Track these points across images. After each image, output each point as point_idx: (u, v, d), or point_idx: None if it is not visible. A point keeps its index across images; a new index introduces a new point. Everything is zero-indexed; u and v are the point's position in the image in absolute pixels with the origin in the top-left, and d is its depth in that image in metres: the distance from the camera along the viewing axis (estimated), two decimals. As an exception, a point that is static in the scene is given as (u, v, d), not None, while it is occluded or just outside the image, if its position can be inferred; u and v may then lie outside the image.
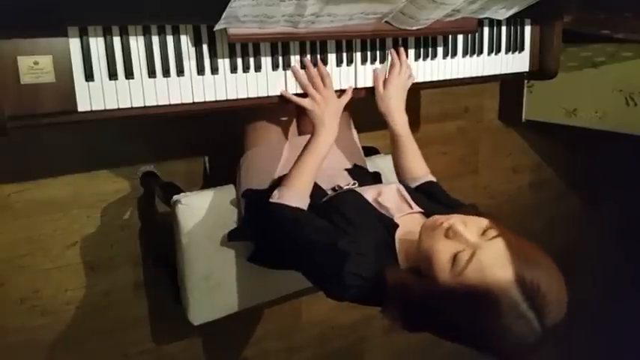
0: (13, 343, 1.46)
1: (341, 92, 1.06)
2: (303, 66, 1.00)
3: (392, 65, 1.09)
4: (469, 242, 0.73)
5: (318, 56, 1.02)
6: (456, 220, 0.76)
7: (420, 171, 1.09)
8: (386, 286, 0.78)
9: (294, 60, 1.01)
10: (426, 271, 0.76)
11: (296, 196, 0.94)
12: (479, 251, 0.71)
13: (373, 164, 1.30)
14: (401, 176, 1.12)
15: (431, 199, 1.01)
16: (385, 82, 1.09)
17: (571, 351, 2.63)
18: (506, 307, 0.68)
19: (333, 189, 1.04)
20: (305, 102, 1.00)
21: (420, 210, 0.95)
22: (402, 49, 1.10)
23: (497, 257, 0.70)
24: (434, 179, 1.10)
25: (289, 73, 1.00)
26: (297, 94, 1.01)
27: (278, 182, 1.06)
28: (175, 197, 1.16)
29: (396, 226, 0.90)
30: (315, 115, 1.00)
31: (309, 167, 0.97)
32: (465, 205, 1.01)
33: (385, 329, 2.16)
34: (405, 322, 0.78)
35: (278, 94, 1.01)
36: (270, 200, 0.94)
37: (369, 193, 0.97)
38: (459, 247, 0.73)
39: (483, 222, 0.76)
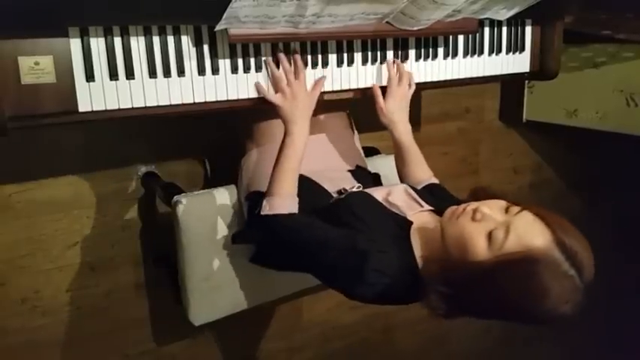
0: (14, 344, 1.46)
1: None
2: (278, 60, 0.97)
3: (390, 77, 1.09)
4: (498, 220, 0.77)
5: (309, 57, 1.01)
6: (478, 203, 0.80)
7: (424, 175, 1.10)
8: (425, 278, 0.80)
9: (283, 55, 0.99)
10: (460, 256, 0.78)
11: (286, 202, 0.92)
12: (511, 225, 0.75)
13: (374, 165, 1.30)
14: (405, 179, 1.13)
15: (436, 198, 1.02)
16: (385, 95, 1.08)
17: (572, 351, 2.63)
18: (550, 269, 0.72)
19: (339, 192, 1.04)
20: (274, 97, 0.97)
21: (430, 208, 0.95)
22: (398, 61, 1.10)
23: (530, 226, 0.75)
24: (437, 181, 1.10)
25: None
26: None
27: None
28: (176, 198, 1.16)
29: (410, 223, 0.90)
30: (284, 111, 0.96)
31: (289, 169, 0.95)
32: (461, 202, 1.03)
33: (385, 330, 2.16)
34: (450, 309, 0.79)
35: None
36: (262, 213, 0.93)
37: (378, 193, 0.97)
38: (490, 226, 0.77)
39: (502, 202, 0.80)
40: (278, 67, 0.98)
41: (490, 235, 0.76)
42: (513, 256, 0.73)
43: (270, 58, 0.98)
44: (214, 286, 1.20)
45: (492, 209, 0.79)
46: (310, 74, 1.02)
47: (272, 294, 1.32)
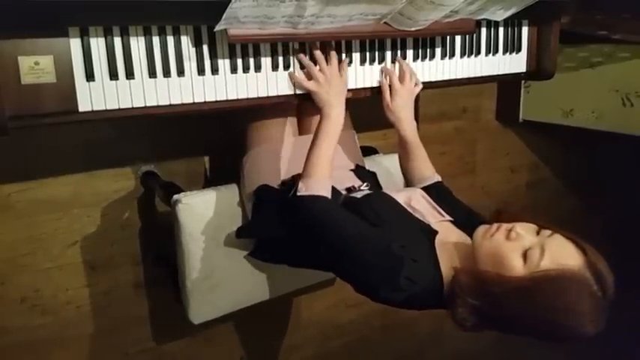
0: (14, 343, 1.46)
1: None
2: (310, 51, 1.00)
3: (397, 75, 1.10)
4: (533, 241, 0.81)
5: (308, 57, 1.02)
6: (514, 225, 0.84)
7: (428, 172, 1.11)
8: (457, 289, 0.83)
9: (294, 61, 1.01)
10: (496, 272, 0.81)
11: (323, 185, 0.93)
12: (546, 245, 0.80)
13: (372, 164, 1.31)
14: (408, 176, 1.14)
15: (446, 204, 1.02)
16: (392, 92, 1.10)
17: (568, 351, 2.64)
18: (581, 288, 0.77)
19: (348, 189, 1.04)
20: (309, 84, 1.00)
21: (450, 219, 0.98)
22: (405, 61, 1.11)
23: (564, 248, 0.80)
24: (440, 179, 1.11)
25: (289, 73, 1.01)
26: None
27: (288, 182, 1.07)
28: (176, 197, 1.17)
29: (436, 232, 0.92)
30: (320, 97, 0.99)
31: (326, 152, 0.96)
32: (466, 207, 1.05)
33: (383, 328, 2.17)
34: (479, 321, 0.82)
35: (278, 94, 1.01)
36: (299, 194, 0.93)
37: (399, 197, 0.98)
38: (525, 245, 0.81)
39: (532, 225, 0.85)
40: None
41: (526, 254, 0.80)
42: (548, 274, 0.77)
43: (301, 54, 1.00)
44: (214, 285, 1.21)
45: (526, 230, 0.83)
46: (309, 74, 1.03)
47: (271, 292, 1.33)
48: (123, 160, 1.50)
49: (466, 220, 0.97)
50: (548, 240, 0.81)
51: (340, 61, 1.04)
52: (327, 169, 0.96)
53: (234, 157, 1.21)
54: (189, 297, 1.20)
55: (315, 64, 1.01)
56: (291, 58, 1.01)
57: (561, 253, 0.79)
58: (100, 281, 1.54)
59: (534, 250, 0.80)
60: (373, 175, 1.23)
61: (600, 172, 2.58)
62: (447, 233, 0.93)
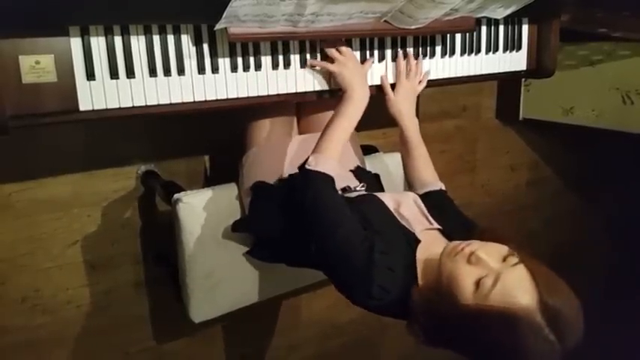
0: (14, 342, 1.46)
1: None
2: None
3: (401, 69, 1.10)
4: (492, 268, 0.76)
5: (308, 55, 1.02)
6: (478, 247, 0.79)
7: (430, 177, 1.10)
8: (412, 303, 0.81)
9: (295, 59, 1.01)
10: (447, 293, 0.78)
11: (332, 165, 0.93)
12: (502, 277, 0.74)
13: (372, 163, 1.31)
14: (410, 180, 1.13)
15: (442, 212, 1.01)
16: (396, 85, 1.10)
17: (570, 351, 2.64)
18: (529, 331, 0.71)
19: (343, 189, 1.04)
20: (332, 66, 1.00)
21: (439, 227, 0.95)
22: (420, 57, 1.12)
23: (520, 282, 0.73)
24: (442, 187, 1.09)
25: (289, 72, 1.01)
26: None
27: (286, 180, 1.07)
28: (176, 196, 1.17)
29: (418, 241, 0.90)
30: (344, 77, 0.99)
31: (344, 133, 0.96)
32: (479, 226, 1.01)
33: (383, 327, 2.17)
34: (427, 339, 0.80)
35: (278, 92, 1.01)
36: (307, 167, 0.92)
37: (389, 201, 0.97)
38: (482, 272, 0.76)
39: (504, 249, 0.78)
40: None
41: (478, 282, 0.75)
42: (495, 309, 0.72)
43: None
44: (214, 284, 1.21)
45: (490, 255, 0.77)
46: (311, 72, 1.03)
47: (271, 291, 1.33)
48: (123, 160, 1.50)
49: (459, 231, 0.92)
50: (507, 271, 0.74)
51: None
52: (338, 150, 0.96)
53: (234, 156, 1.21)
54: (189, 296, 1.20)
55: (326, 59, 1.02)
56: (292, 56, 1.01)
57: (515, 289, 0.72)
58: (101, 281, 1.54)
59: (488, 279, 0.74)
60: (376, 176, 1.22)
61: (600, 170, 2.59)
62: (432, 243, 0.89)
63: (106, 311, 1.56)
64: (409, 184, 1.14)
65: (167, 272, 1.42)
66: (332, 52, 1.01)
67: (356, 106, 0.98)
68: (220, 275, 1.21)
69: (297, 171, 1.01)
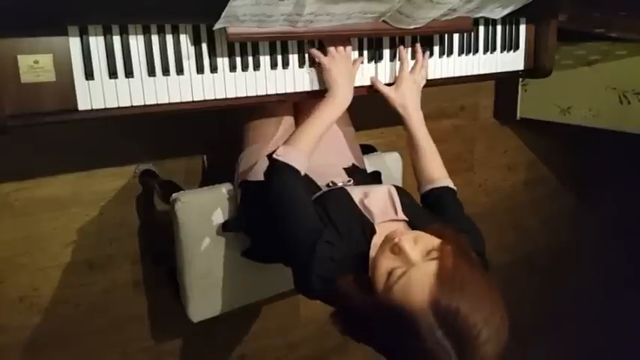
0: (13, 342, 1.46)
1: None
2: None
3: (404, 62, 1.09)
4: (408, 260, 0.72)
5: (307, 55, 1.02)
6: (407, 237, 0.75)
7: (438, 173, 1.05)
8: (334, 291, 0.78)
9: (293, 59, 1.01)
10: (367, 282, 0.77)
11: (300, 158, 0.92)
12: (411, 270, 0.70)
13: (370, 162, 1.31)
14: (418, 177, 1.09)
15: (437, 208, 0.99)
16: (397, 80, 1.09)
17: (565, 348, 2.66)
18: (422, 331, 0.66)
19: (327, 185, 1.03)
20: (324, 59, 1.00)
21: (405, 218, 0.90)
22: (427, 54, 1.12)
23: (422, 279, 0.69)
24: (451, 185, 1.05)
25: (288, 72, 1.01)
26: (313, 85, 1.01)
27: None
28: (174, 195, 1.17)
29: (374, 232, 0.87)
30: (331, 74, 0.99)
31: (318, 129, 0.95)
32: (459, 217, 0.98)
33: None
34: (344, 329, 0.78)
35: (277, 92, 1.01)
36: (274, 156, 0.91)
37: (357, 193, 0.94)
38: (397, 263, 0.73)
39: (435, 242, 0.74)
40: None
41: (390, 273, 0.72)
42: (392, 305, 0.69)
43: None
44: (212, 283, 1.21)
45: (415, 247, 0.74)
46: (309, 72, 1.04)
47: (270, 290, 1.33)
48: (121, 159, 1.50)
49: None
50: (419, 265, 0.70)
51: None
52: (313, 145, 0.94)
53: (232, 155, 1.21)
54: (188, 295, 1.21)
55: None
56: (290, 56, 1.01)
57: (415, 285, 0.68)
58: (99, 280, 1.54)
59: (398, 270, 0.71)
60: (376, 173, 1.22)
61: (597, 169, 2.60)
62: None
63: (104, 311, 1.56)
64: (417, 181, 1.10)
65: (165, 271, 1.42)
66: (331, 49, 1.01)
67: (336, 105, 0.98)
68: (219, 274, 1.21)
69: None
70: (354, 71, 1.04)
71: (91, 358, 1.58)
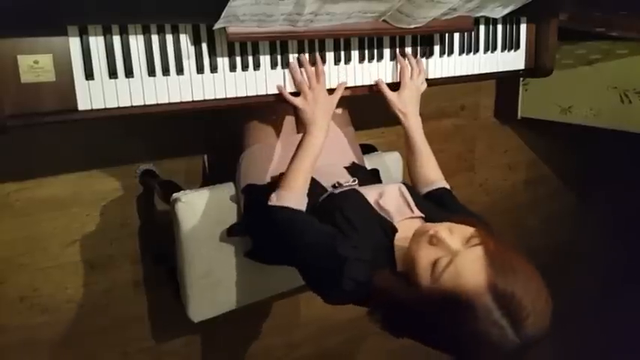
0: (13, 342, 1.46)
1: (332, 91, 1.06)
2: (300, 63, 1.00)
3: (405, 69, 1.10)
4: (450, 249, 0.74)
5: (317, 53, 1.03)
6: (441, 228, 0.77)
7: (434, 176, 1.09)
8: (372, 287, 0.80)
9: (293, 59, 1.01)
10: (407, 276, 0.78)
11: (294, 198, 0.94)
12: (457, 258, 0.72)
13: (371, 162, 1.31)
14: (414, 180, 1.12)
15: (441, 206, 1.00)
16: (400, 86, 1.10)
17: (566, 348, 2.66)
18: (479, 314, 0.69)
19: (333, 186, 1.04)
20: (296, 100, 0.99)
21: (421, 215, 0.94)
22: (418, 57, 1.13)
23: (473, 264, 0.71)
24: (447, 186, 1.09)
25: (288, 71, 1.01)
26: (291, 93, 1.01)
27: (278, 179, 1.07)
28: (175, 195, 1.17)
29: (395, 230, 0.89)
30: (305, 113, 0.99)
31: (304, 167, 0.96)
32: (467, 212, 1.01)
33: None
34: (387, 325, 0.79)
35: (277, 92, 1.01)
36: (269, 204, 0.94)
37: (370, 193, 0.97)
38: (440, 253, 0.75)
39: (469, 230, 0.76)
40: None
41: (434, 263, 0.74)
42: (445, 291, 0.71)
43: (294, 62, 1.00)
44: (213, 283, 1.21)
45: (453, 235, 0.76)
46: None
47: (270, 290, 1.33)
48: (122, 159, 1.50)
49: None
50: (464, 252, 0.72)
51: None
52: (304, 183, 0.96)
53: (232, 155, 1.21)
54: (188, 295, 1.21)
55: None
56: (290, 56, 1.01)
57: (466, 270, 0.70)
58: (100, 280, 1.54)
59: (443, 260, 0.73)
60: (375, 171, 1.23)
61: (599, 169, 2.59)
62: (411, 230, 0.86)
63: (104, 311, 1.56)
64: (413, 184, 1.13)
65: (166, 271, 1.42)
66: (303, 87, 0.99)
67: (314, 144, 0.98)
68: (219, 274, 1.21)
69: None
70: (331, 102, 1.01)
71: (91, 358, 1.58)
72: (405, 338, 0.81)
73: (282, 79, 1.01)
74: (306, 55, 1.02)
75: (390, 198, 0.96)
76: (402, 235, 0.88)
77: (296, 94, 1.01)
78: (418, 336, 0.78)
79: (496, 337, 0.69)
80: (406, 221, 0.92)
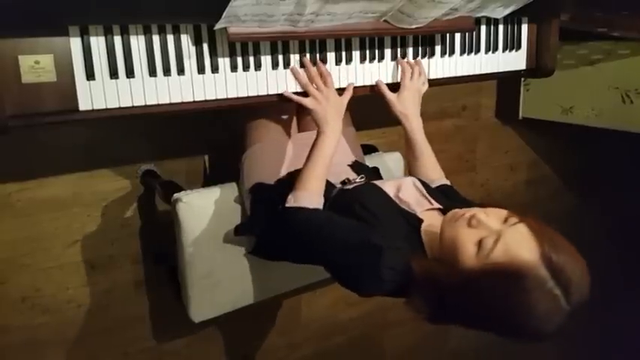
0: (15, 342, 1.46)
1: (340, 91, 1.06)
2: (303, 65, 1.01)
3: (406, 71, 1.11)
4: (492, 229, 0.77)
5: (318, 55, 1.03)
6: (477, 210, 0.80)
7: (436, 174, 1.11)
8: (413, 276, 0.80)
9: (294, 59, 1.01)
10: (450, 259, 0.79)
11: (312, 198, 0.93)
12: (503, 235, 0.75)
13: (372, 162, 1.31)
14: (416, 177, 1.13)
15: (449, 199, 1.02)
16: (400, 87, 1.10)
17: (565, 348, 2.65)
18: (533, 285, 0.71)
19: (342, 182, 1.05)
20: (307, 101, 1.00)
21: (439, 206, 0.96)
22: (418, 59, 1.13)
23: (522, 239, 0.74)
24: (448, 182, 1.11)
25: (289, 72, 1.01)
26: (297, 93, 1.02)
27: (284, 179, 1.07)
28: (176, 195, 1.17)
29: (421, 221, 0.91)
30: (317, 114, 1.00)
31: (320, 167, 0.96)
32: (476, 204, 1.01)
33: (384, 326, 2.17)
34: (431, 312, 0.79)
35: (278, 92, 1.01)
36: (287, 205, 0.93)
37: (388, 187, 0.98)
38: (483, 233, 0.77)
39: (503, 212, 0.80)
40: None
41: (480, 243, 0.76)
42: (497, 267, 0.73)
43: (295, 66, 1.00)
44: (214, 284, 1.21)
45: (490, 217, 0.79)
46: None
47: (271, 291, 1.33)
48: (123, 159, 1.50)
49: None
50: (508, 229, 0.76)
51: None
52: (321, 183, 0.96)
53: (233, 155, 1.21)
54: (189, 295, 1.20)
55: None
56: (291, 56, 1.01)
57: (516, 245, 0.73)
58: (101, 280, 1.54)
59: (489, 239, 0.75)
60: (375, 169, 1.23)
61: (600, 169, 2.59)
62: (435, 220, 0.90)
63: (105, 311, 1.56)
64: None
65: (167, 272, 1.42)
66: (312, 90, 0.99)
67: (327, 143, 0.98)
68: (220, 275, 1.21)
69: (296, 168, 1.02)
70: (341, 101, 1.02)
71: (92, 358, 1.58)
72: (444, 325, 0.82)
73: (284, 79, 1.01)
74: (307, 56, 1.02)
75: (408, 191, 0.97)
76: (427, 225, 0.90)
77: (304, 94, 1.01)
78: (464, 318, 0.79)
79: (547, 307, 0.72)
80: (427, 212, 0.94)
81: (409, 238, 0.88)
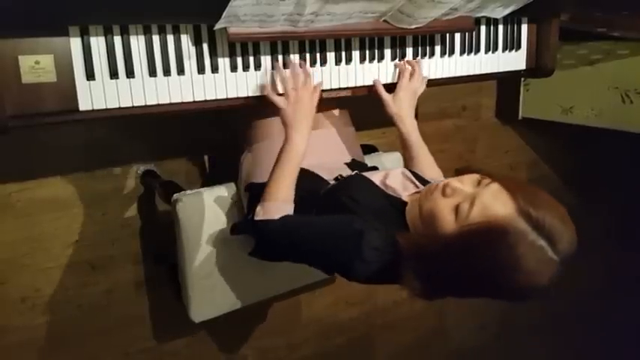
0: (15, 342, 1.46)
1: (334, 91, 1.06)
2: (285, 65, 0.99)
3: (403, 71, 1.11)
4: (467, 193, 0.78)
5: (318, 55, 1.03)
6: (450, 179, 0.81)
7: (433, 173, 1.11)
8: (401, 253, 0.80)
9: (294, 59, 1.01)
10: (431, 230, 0.80)
11: (281, 207, 0.92)
12: (479, 197, 0.76)
13: (372, 163, 1.31)
14: None
15: None
16: (396, 88, 1.10)
17: (568, 346, 2.65)
18: (515, 239, 0.71)
19: (336, 179, 1.05)
20: (277, 99, 0.97)
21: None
22: (418, 58, 1.13)
23: (496, 197, 0.75)
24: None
25: (288, 72, 1.01)
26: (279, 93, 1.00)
27: None
28: (176, 195, 1.17)
29: (405, 203, 0.92)
30: (285, 116, 0.96)
31: (288, 175, 0.94)
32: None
33: (384, 326, 2.17)
34: (424, 287, 0.78)
35: (278, 92, 1.01)
36: (255, 219, 0.92)
37: (375, 176, 0.99)
38: (458, 199, 0.78)
39: (475, 175, 0.81)
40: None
41: (457, 209, 0.77)
42: (477, 227, 0.73)
43: (279, 63, 0.99)
44: (214, 284, 1.21)
45: (464, 183, 0.80)
46: (311, 72, 1.03)
47: (271, 291, 1.33)
48: (123, 160, 1.50)
49: None
50: (482, 191, 0.76)
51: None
52: (288, 191, 0.94)
53: (233, 155, 1.21)
54: (189, 296, 1.20)
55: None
56: (291, 56, 1.01)
57: (491, 203, 0.74)
58: (101, 280, 1.54)
59: (464, 203, 0.76)
60: (374, 168, 1.23)
61: (600, 169, 2.59)
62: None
63: (106, 311, 1.56)
64: None
65: (167, 272, 1.42)
66: (287, 86, 0.97)
67: (293, 152, 0.94)
68: (220, 275, 1.21)
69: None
70: (312, 107, 0.98)
71: (92, 358, 1.58)
72: (442, 298, 0.81)
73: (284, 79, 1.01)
74: (291, 56, 1.00)
75: (394, 177, 0.98)
76: (412, 206, 0.90)
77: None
78: (457, 287, 0.78)
79: (535, 260, 0.71)
80: (413, 196, 0.94)
81: (394, 221, 0.89)
